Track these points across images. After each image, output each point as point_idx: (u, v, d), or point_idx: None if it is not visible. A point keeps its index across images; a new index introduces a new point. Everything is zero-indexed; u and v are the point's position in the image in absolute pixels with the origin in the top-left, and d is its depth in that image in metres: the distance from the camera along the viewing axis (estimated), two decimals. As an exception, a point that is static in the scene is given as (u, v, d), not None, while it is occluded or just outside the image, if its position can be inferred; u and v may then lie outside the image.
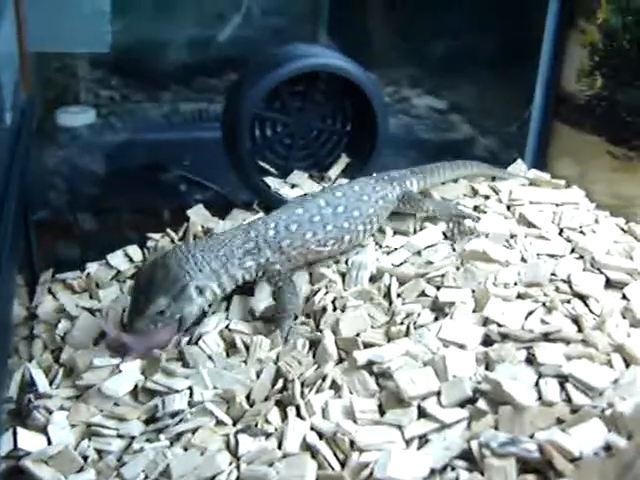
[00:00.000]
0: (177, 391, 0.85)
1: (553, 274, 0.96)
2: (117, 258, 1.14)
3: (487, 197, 1.23)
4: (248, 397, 0.84)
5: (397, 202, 1.13)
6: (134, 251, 1.15)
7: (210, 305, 0.97)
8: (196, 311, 0.93)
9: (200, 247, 0.95)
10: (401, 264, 1.05)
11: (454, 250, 1.05)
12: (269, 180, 1.26)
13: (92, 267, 1.13)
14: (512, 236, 1.06)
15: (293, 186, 1.26)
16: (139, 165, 1.47)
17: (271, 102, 1.26)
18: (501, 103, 1.47)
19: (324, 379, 0.82)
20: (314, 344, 0.90)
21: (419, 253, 1.06)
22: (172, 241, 1.16)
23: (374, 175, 1.16)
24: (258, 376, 0.86)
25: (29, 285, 1.11)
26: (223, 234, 1.00)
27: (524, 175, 1.31)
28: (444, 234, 1.10)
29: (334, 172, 1.28)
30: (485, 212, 1.16)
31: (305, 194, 1.20)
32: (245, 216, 1.20)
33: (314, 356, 0.88)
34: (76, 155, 1.44)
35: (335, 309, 0.95)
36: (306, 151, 1.32)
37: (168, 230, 1.18)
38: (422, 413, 0.75)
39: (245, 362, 0.89)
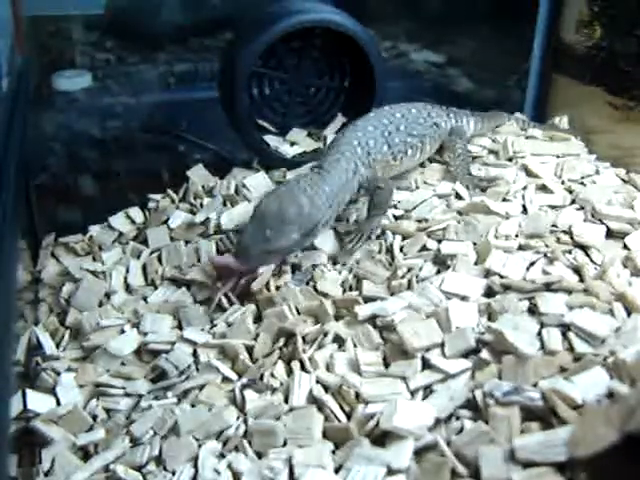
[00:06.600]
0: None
1: (554, 225, 0.96)
2: (119, 220, 1.14)
3: (491, 151, 1.22)
4: (250, 354, 0.85)
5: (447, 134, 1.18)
6: (135, 213, 1.16)
7: None
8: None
9: (322, 177, 0.96)
10: (401, 218, 1.05)
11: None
12: (268, 138, 1.25)
13: (94, 230, 1.13)
14: (514, 189, 1.06)
15: (292, 144, 1.25)
16: (137, 127, 1.47)
17: (268, 59, 1.25)
18: (500, 55, 1.46)
19: (325, 335, 0.83)
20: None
21: (419, 208, 1.06)
22: (172, 201, 1.16)
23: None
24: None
25: (32, 249, 1.11)
26: (326, 163, 1.00)
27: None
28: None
29: (330, 131, 1.27)
30: (487, 165, 1.16)
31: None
32: (245, 174, 1.19)
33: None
34: (74, 119, 1.44)
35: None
36: (304, 108, 1.31)
37: (169, 191, 1.18)
38: (426, 364, 0.75)
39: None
